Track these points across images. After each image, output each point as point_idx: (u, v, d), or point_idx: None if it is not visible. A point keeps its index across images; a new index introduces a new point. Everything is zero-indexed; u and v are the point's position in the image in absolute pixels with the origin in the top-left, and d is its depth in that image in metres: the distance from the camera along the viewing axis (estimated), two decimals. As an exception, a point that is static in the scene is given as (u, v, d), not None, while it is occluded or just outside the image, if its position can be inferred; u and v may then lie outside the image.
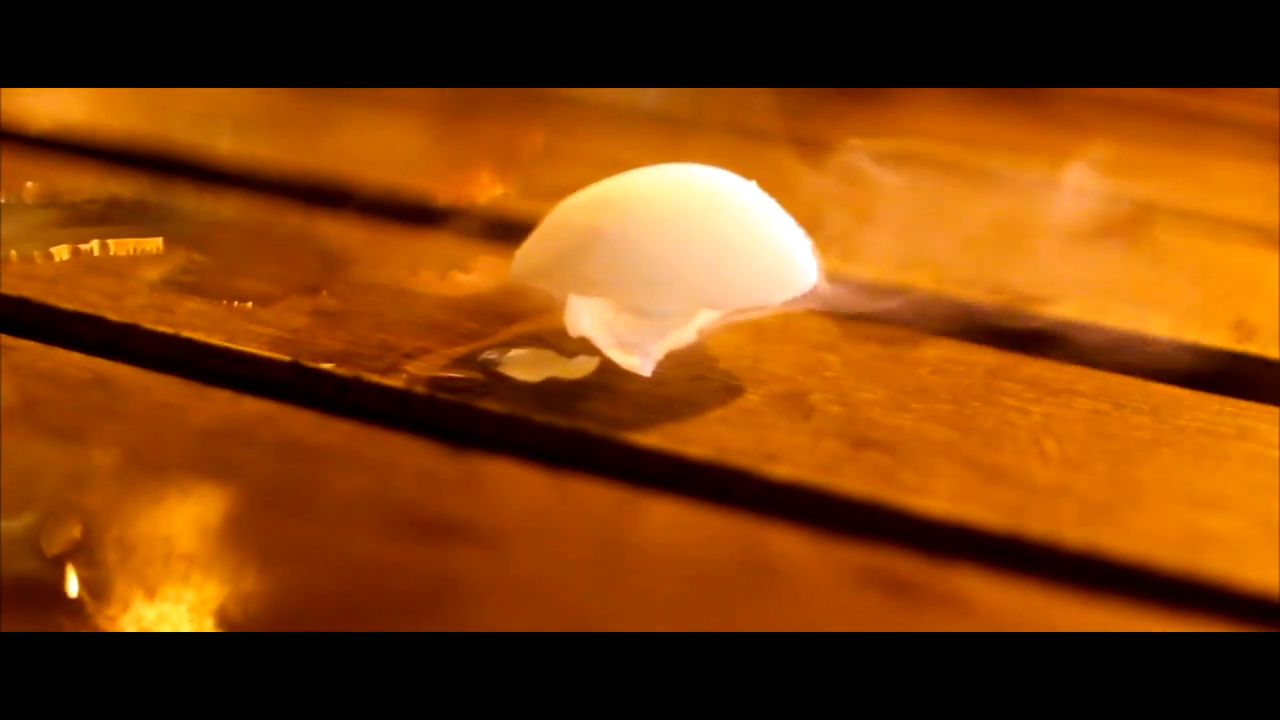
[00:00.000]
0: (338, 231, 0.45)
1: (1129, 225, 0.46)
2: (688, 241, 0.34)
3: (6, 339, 0.37)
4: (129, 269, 0.41)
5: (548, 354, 0.36)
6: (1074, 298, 0.40)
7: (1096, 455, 0.33)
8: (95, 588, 0.28)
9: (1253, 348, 0.38)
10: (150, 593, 0.28)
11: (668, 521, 0.31)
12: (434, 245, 0.44)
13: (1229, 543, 0.30)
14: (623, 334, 0.35)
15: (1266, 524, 0.31)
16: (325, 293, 0.40)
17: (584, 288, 0.35)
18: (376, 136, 0.53)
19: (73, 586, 0.28)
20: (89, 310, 0.38)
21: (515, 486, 0.32)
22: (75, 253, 0.42)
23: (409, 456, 0.32)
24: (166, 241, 0.43)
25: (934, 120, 0.56)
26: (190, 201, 0.47)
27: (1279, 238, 0.47)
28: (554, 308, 0.38)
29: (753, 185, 0.36)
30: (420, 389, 0.35)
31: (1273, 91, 0.57)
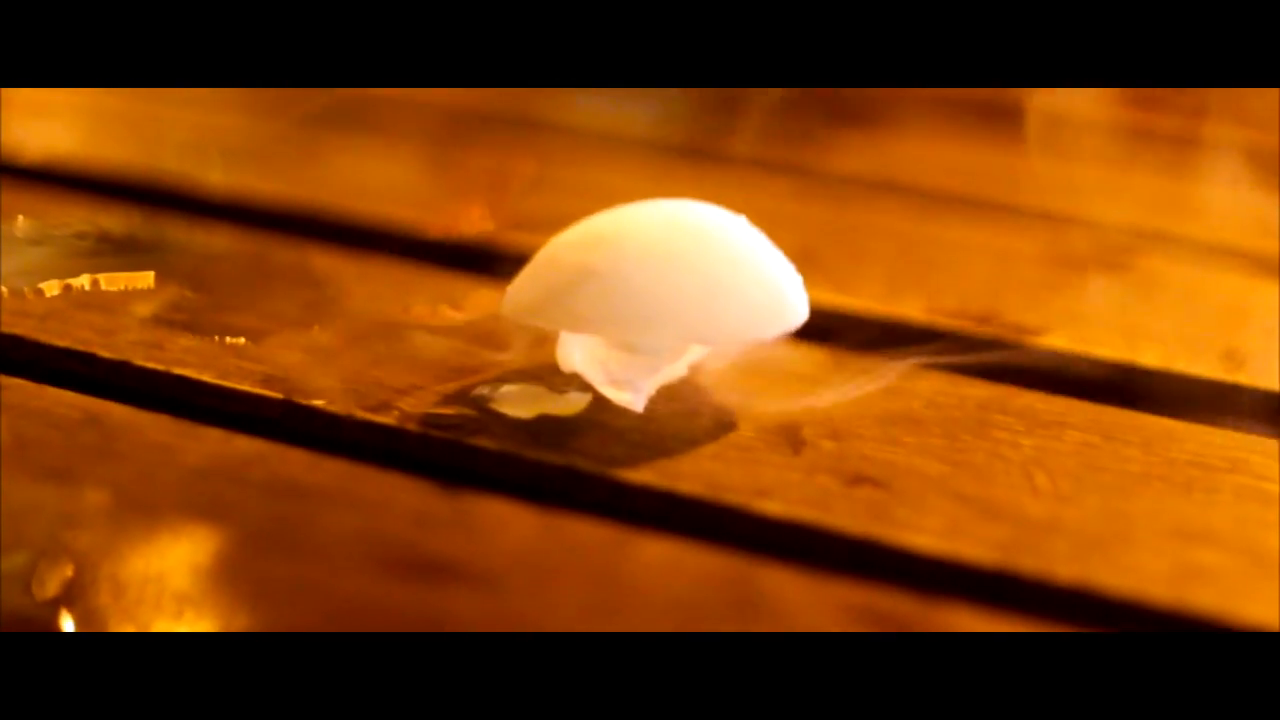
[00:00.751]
0: (329, 264, 0.45)
1: (1117, 254, 0.46)
2: (679, 278, 0.34)
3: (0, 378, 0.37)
4: (120, 305, 0.41)
5: (540, 390, 0.36)
6: (1064, 329, 0.40)
7: (1087, 489, 0.33)
8: (87, 627, 0.28)
9: (1243, 378, 0.38)
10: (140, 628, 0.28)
11: (659, 560, 0.31)
12: (425, 279, 0.44)
13: (1220, 577, 0.30)
14: (614, 371, 0.35)
15: (1257, 558, 0.31)
16: (317, 328, 0.40)
17: (576, 325, 0.35)
18: (367, 167, 0.53)
19: (66, 626, 0.28)
20: (80, 347, 0.38)
21: (507, 526, 0.32)
22: (66, 289, 0.42)
23: (401, 496, 0.32)
24: (158, 276, 0.43)
25: (920, 148, 0.56)
26: (181, 234, 0.47)
27: (1267, 265, 0.47)
28: (545, 343, 0.38)
29: (742, 220, 0.36)
30: (412, 426, 0.35)
31: (1258, 114, 0.57)
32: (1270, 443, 0.36)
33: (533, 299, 0.35)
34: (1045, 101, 0.62)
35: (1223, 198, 0.51)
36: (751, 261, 0.35)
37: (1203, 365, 0.39)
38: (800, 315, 0.36)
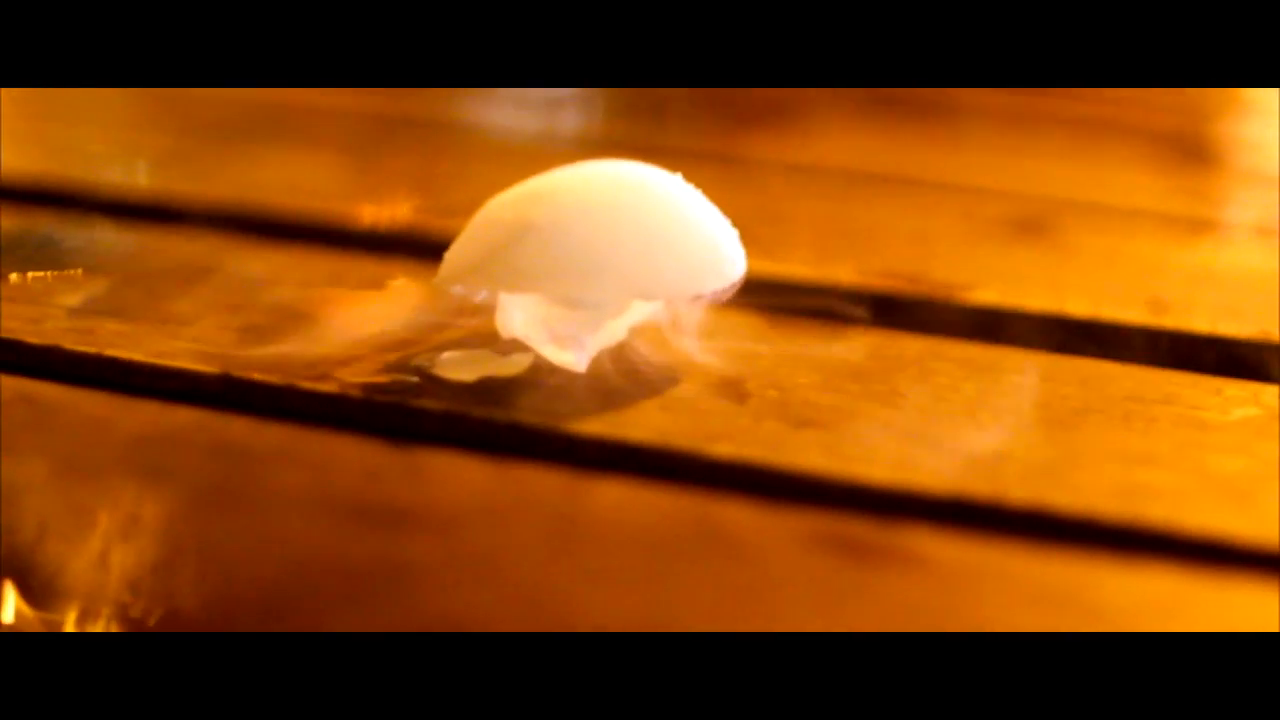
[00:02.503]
0: (256, 257, 0.44)
1: (1037, 221, 0.47)
2: (619, 231, 0.34)
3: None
4: (46, 297, 0.40)
5: (481, 354, 0.36)
6: (992, 285, 0.41)
7: (1030, 423, 0.34)
8: (35, 595, 0.28)
9: (1168, 321, 0.39)
10: (92, 596, 0.28)
11: (615, 500, 0.30)
12: (354, 265, 0.44)
13: (1167, 494, 0.31)
14: (556, 327, 0.35)
15: (1201, 475, 0.32)
16: (249, 311, 0.40)
17: (517, 281, 0.35)
18: (288, 168, 0.53)
19: (10, 596, 0.28)
20: (8, 336, 0.37)
21: (459, 475, 0.31)
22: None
23: (349, 453, 0.32)
24: (84, 272, 0.42)
25: (833, 137, 0.57)
26: (106, 235, 0.46)
27: (1181, 223, 0.48)
28: (483, 313, 0.38)
29: (679, 178, 0.37)
30: (355, 393, 0.34)
31: (1162, 99, 0.59)
32: (1200, 378, 0.36)
33: (471, 258, 0.35)
34: (942, 93, 0.63)
35: (1126, 169, 0.52)
36: (690, 216, 0.36)
37: (1129, 313, 0.40)
38: (739, 269, 0.36)
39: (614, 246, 0.34)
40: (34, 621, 0.28)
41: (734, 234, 0.37)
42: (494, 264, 0.35)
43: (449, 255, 0.36)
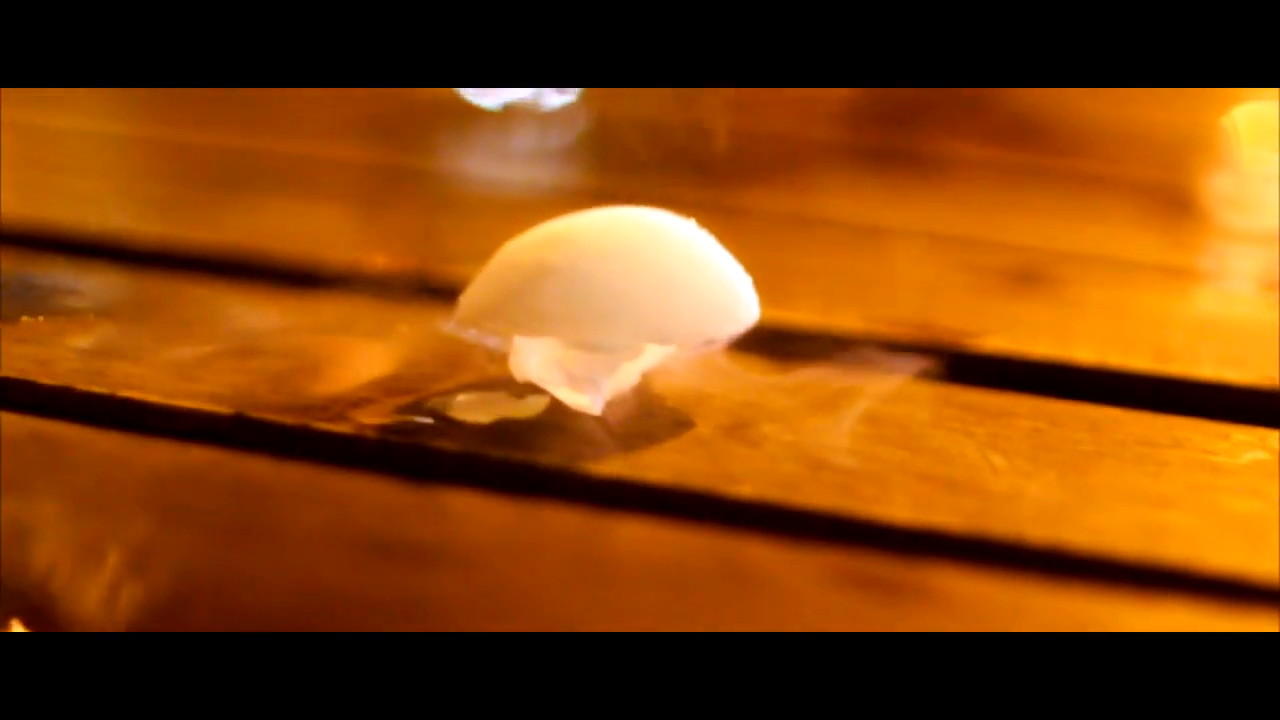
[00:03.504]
0: (264, 303, 0.44)
1: (1040, 273, 0.47)
2: (636, 275, 0.35)
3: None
4: (56, 339, 0.40)
5: (496, 396, 0.36)
6: (1000, 333, 0.41)
7: (1044, 466, 0.34)
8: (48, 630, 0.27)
9: (1175, 369, 0.39)
10: (109, 634, 0.27)
11: (636, 538, 0.31)
12: (363, 311, 0.44)
13: (1182, 534, 0.31)
14: (572, 370, 0.35)
15: (1216, 517, 0.32)
16: (261, 356, 0.40)
17: (534, 324, 0.35)
18: (289, 218, 0.53)
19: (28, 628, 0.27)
20: (19, 376, 0.37)
21: (479, 513, 0.31)
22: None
23: (368, 491, 0.32)
24: (93, 315, 0.42)
25: (833, 191, 0.58)
26: (115, 280, 0.46)
27: (1183, 274, 0.49)
28: (497, 359, 0.38)
29: (692, 223, 0.37)
30: (371, 434, 0.35)
31: (1157, 154, 0.60)
32: (1208, 423, 0.37)
33: (488, 301, 0.35)
34: (936, 147, 0.64)
35: (1124, 223, 0.53)
36: (705, 261, 0.36)
37: (1135, 360, 0.40)
38: (752, 314, 0.36)
39: (631, 290, 0.35)
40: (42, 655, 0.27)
41: (747, 279, 0.37)
42: (511, 307, 0.35)
43: (465, 298, 0.36)
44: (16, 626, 0.28)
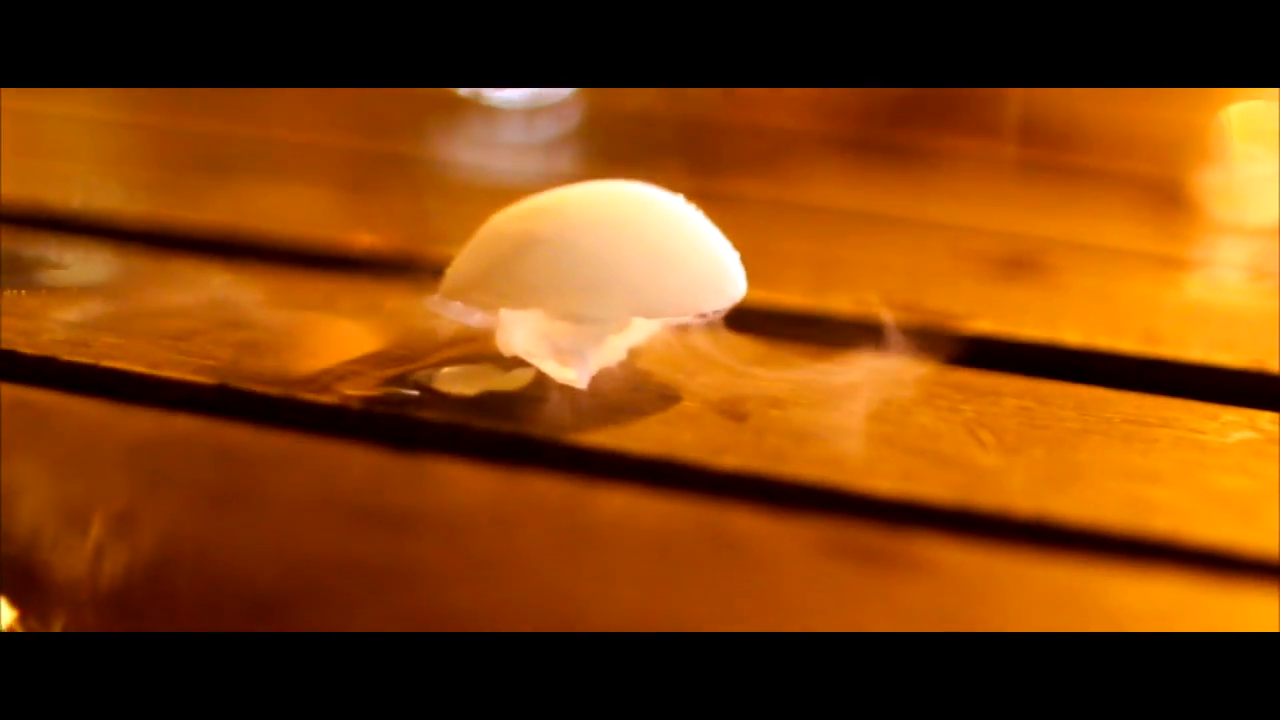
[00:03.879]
0: (251, 280, 0.44)
1: (1028, 259, 0.47)
2: (625, 246, 0.35)
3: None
4: (41, 311, 0.40)
5: (482, 368, 0.36)
6: (988, 315, 0.41)
7: (1032, 442, 0.34)
8: (32, 597, 0.27)
9: (1164, 350, 0.39)
10: (90, 597, 0.27)
11: (624, 507, 0.30)
12: (348, 288, 0.44)
13: (1171, 508, 0.31)
14: (559, 343, 0.35)
15: (1204, 493, 0.32)
16: (245, 329, 0.39)
17: (521, 296, 0.35)
18: (276, 200, 0.53)
19: (11, 595, 0.27)
20: (4, 347, 0.37)
21: (464, 481, 0.31)
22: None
23: (352, 459, 0.32)
24: (78, 289, 0.42)
25: (826, 181, 0.58)
26: (101, 257, 0.46)
27: (1172, 262, 0.49)
28: (482, 335, 0.38)
29: (681, 198, 0.37)
30: (355, 404, 0.34)
31: (1148, 149, 0.60)
32: (1197, 404, 0.37)
33: (475, 272, 0.35)
34: (928, 141, 0.64)
35: (1114, 213, 0.53)
36: (693, 234, 0.36)
37: (1124, 343, 0.40)
38: (740, 289, 0.36)
39: (619, 262, 0.34)
40: (27, 623, 0.27)
41: (735, 255, 0.37)
42: (498, 278, 0.35)
43: (451, 270, 0.36)
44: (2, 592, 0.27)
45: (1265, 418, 0.36)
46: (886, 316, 0.41)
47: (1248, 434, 0.35)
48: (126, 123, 0.64)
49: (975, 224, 0.51)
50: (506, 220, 0.35)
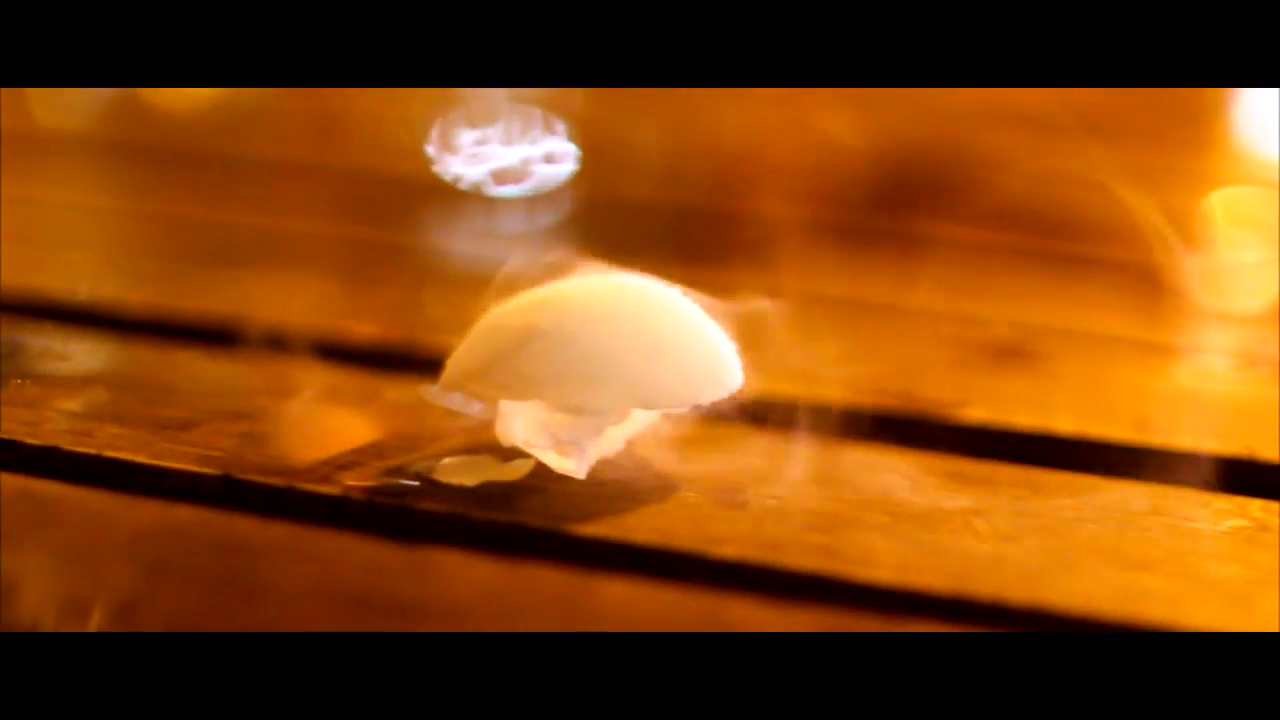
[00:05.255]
0: (251, 370, 0.45)
1: (1020, 347, 0.48)
2: (623, 339, 0.35)
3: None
4: (44, 401, 0.40)
5: (482, 459, 0.36)
6: (980, 404, 0.42)
7: (1026, 531, 0.34)
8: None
9: (1155, 439, 0.40)
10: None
11: (622, 597, 0.31)
12: (348, 379, 0.44)
13: (1163, 597, 0.31)
14: (558, 433, 0.36)
15: (1195, 580, 0.32)
16: (247, 421, 0.40)
17: (521, 387, 0.35)
18: (274, 290, 0.53)
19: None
20: (7, 437, 0.37)
21: (465, 572, 0.31)
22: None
23: (355, 550, 0.32)
24: (81, 380, 0.42)
25: (815, 270, 0.58)
26: (103, 347, 0.46)
27: (1162, 350, 0.49)
28: (481, 427, 0.38)
29: (678, 291, 0.38)
30: (357, 495, 0.35)
31: (1137, 238, 0.61)
32: (1188, 492, 0.37)
33: (475, 364, 0.36)
34: (919, 228, 0.65)
35: (1103, 300, 0.53)
36: (691, 327, 0.36)
37: (1116, 431, 0.41)
38: (737, 380, 0.37)
39: (617, 354, 0.35)
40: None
41: (732, 347, 0.37)
42: (499, 370, 0.35)
43: (451, 362, 0.37)
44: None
45: (1255, 505, 0.36)
46: (880, 406, 0.41)
47: (1239, 521, 0.35)
48: (128, 211, 0.65)
49: (966, 312, 0.51)
50: (506, 313, 0.36)
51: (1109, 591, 0.31)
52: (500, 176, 0.67)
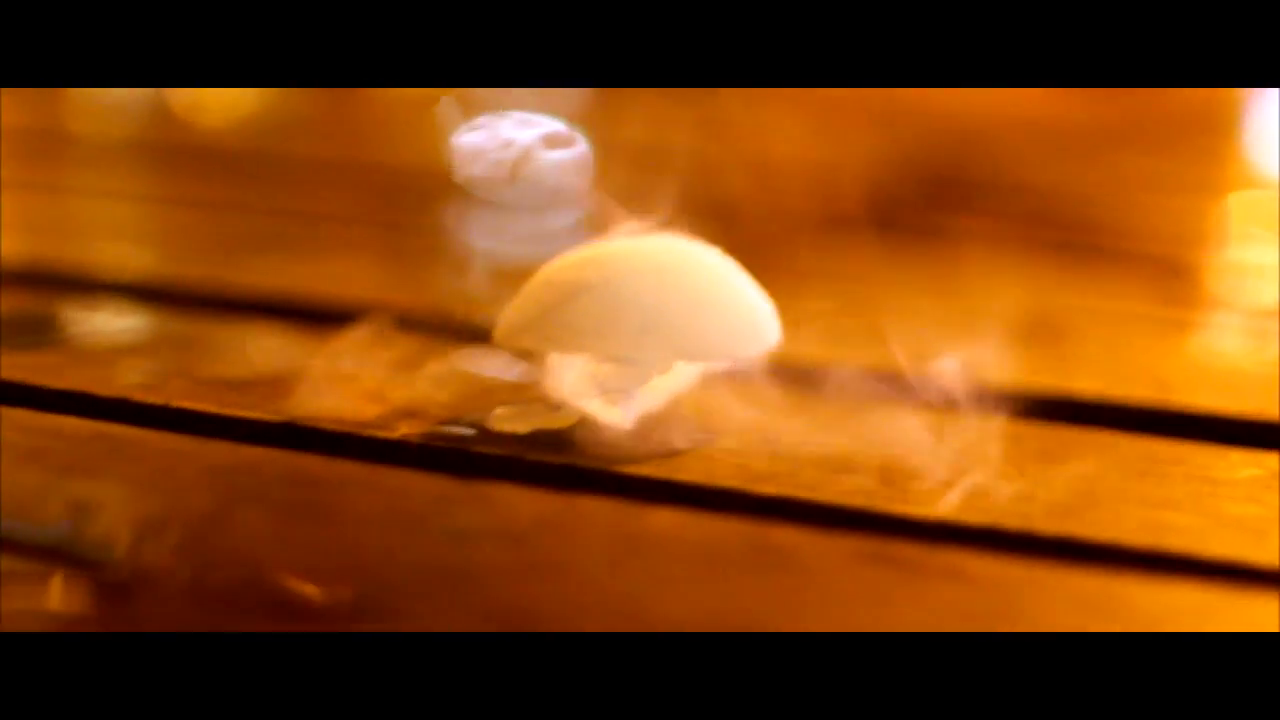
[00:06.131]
0: (304, 337, 0.46)
1: (1046, 322, 0.50)
2: (669, 293, 0.37)
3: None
4: (110, 361, 0.42)
5: (533, 408, 0.38)
6: (1004, 367, 0.44)
7: (1053, 475, 0.36)
8: (114, 601, 0.29)
9: (1174, 398, 0.41)
10: (179, 607, 0.29)
11: (672, 522, 0.32)
12: (400, 345, 0.46)
13: (1186, 530, 0.33)
14: (605, 384, 0.37)
15: (1216, 518, 0.34)
16: (303, 381, 0.42)
17: (571, 339, 0.37)
18: (328, 265, 0.55)
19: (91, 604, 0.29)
20: (79, 389, 0.39)
21: (522, 502, 0.33)
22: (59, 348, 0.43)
23: (418, 483, 0.34)
24: (148, 343, 0.44)
25: (848, 258, 0.60)
26: (167, 317, 0.48)
27: (1181, 324, 0.51)
28: (528, 385, 0.40)
29: (718, 251, 0.39)
30: (415, 439, 0.36)
31: (1157, 233, 0.63)
32: (1206, 446, 0.39)
33: (527, 318, 0.37)
34: (936, 220, 0.67)
35: (1122, 283, 0.55)
36: (731, 285, 0.38)
37: (1137, 391, 0.42)
38: (775, 337, 0.38)
39: (664, 307, 0.37)
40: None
41: (769, 305, 0.39)
42: (550, 323, 0.37)
43: (504, 317, 0.38)
44: (87, 593, 0.29)
45: (1271, 458, 0.38)
46: (909, 369, 0.43)
47: (1255, 470, 0.37)
48: (178, 199, 0.67)
49: (994, 292, 0.53)
50: (556, 269, 0.38)
51: (1133, 525, 0.33)
52: (514, 172, 0.69)
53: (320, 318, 0.49)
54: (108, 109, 0.82)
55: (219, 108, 0.84)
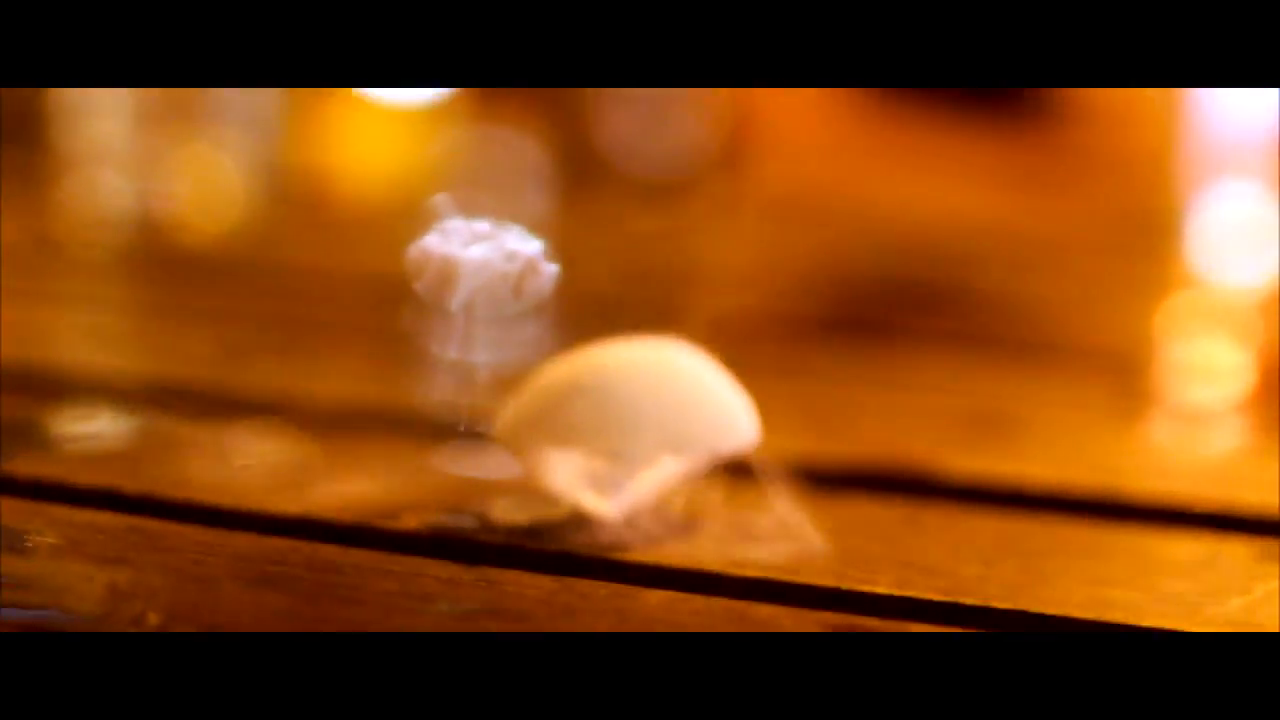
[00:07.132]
0: (298, 436, 0.49)
1: (997, 414, 0.53)
2: (655, 395, 0.40)
3: (39, 505, 0.41)
4: (133, 455, 0.45)
5: (530, 500, 0.41)
6: (961, 457, 0.47)
7: (1006, 557, 0.39)
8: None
9: (1121, 482, 0.45)
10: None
11: (662, 602, 0.36)
12: (390, 444, 0.49)
13: (1126, 604, 0.36)
14: (598, 476, 0.41)
15: (1157, 595, 0.37)
16: (312, 474, 0.45)
17: (567, 436, 0.40)
18: (333, 363, 0.59)
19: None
20: (102, 485, 0.42)
21: (525, 585, 0.36)
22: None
23: (429, 569, 0.37)
24: (155, 447, 0.47)
25: (810, 355, 0.64)
26: (166, 419, 0.51)
27: (1126, 413, 0.55)
28: (522, 485, 0.43)
29: (700, 354, 0.43)
30: (423, 531, 0.40)
31: (1105, 329, 0.67)
32: (1148, 527, 0.42)
33: (526, 416, 0.41)
34: (904, 320, 0.71)
35: (1073, 377, 0.59)
36: (713, 385, 0.42)
37: (1084, 478, 0.46)
38: (754, 433, 0.42)
39: (650, 407, 0.40)
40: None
41: (748, 403, 0.42)
42: (547, 421, 0.40)
43: (502, 416, 0.42)
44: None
45: (1208, 537, 0.41)
46: (868, 462, 0.46)
47: (1195, 550, 0.41)
48: (182, 307, 0.71)
49: (947, 386, 0.57)
50: (552, 371, 0.41)
51: (1080, 601, 0.36)
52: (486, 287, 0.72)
53: (321, 419, 0.53)
54: (99, 221, 0.85)
55: (206, 219, 0.88)
